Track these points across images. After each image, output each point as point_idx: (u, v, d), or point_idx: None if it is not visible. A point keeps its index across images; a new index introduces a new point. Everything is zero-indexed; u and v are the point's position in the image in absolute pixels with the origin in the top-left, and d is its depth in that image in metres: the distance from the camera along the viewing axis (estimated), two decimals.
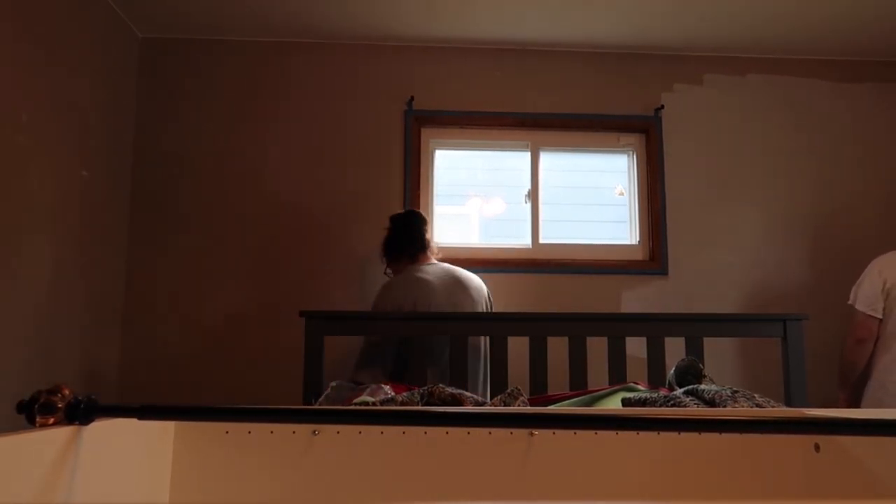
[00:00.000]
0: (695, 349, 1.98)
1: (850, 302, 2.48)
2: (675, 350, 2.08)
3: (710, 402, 1.27)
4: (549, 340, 2.00)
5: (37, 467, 0.72)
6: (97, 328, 2.60)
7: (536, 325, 2.02)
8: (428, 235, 2.42)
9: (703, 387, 1.34)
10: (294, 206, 2.90)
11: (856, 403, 2.45)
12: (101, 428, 0.82)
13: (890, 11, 2.70)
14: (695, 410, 1.22)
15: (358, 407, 1.29)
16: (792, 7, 2.69)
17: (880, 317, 2.39)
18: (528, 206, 3.04)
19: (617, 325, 2.04)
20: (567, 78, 3.06)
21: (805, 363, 1.99)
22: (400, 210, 2.91)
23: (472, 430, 1.04)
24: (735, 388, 1.31)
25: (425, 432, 1.03)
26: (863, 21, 2.79)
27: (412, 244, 2.37)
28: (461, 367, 1.98)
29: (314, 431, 1.03)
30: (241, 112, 2.94)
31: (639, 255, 3.01)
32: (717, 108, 3.07)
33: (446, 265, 2.37)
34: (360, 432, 1.04)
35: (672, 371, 1.72)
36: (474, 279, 2.38)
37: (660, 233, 2.96)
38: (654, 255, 2.97)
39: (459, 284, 2.30)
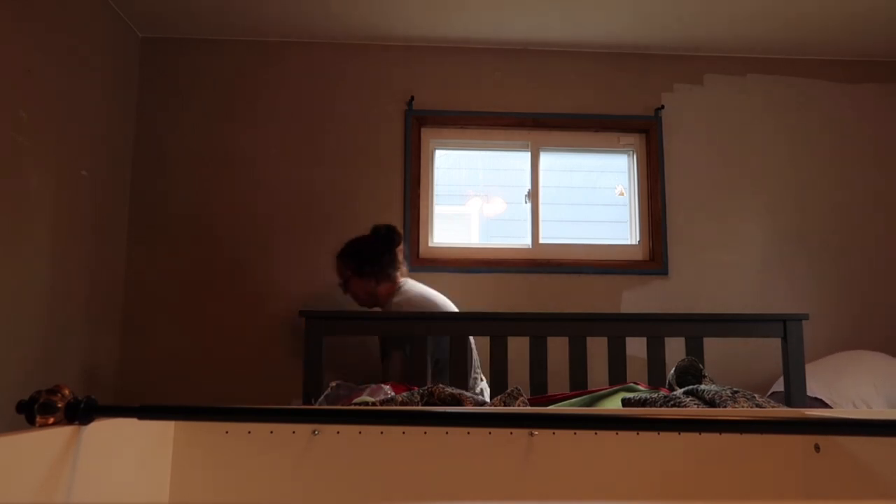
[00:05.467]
0: (695, 349, 1.98)
1: None
2: (675, 350, 2.09)
3: (711, 403, 1.27)
4: (549, 340, 2.00)
5: (37, 467, 0.72)
6: (97, 328, 2.60)
7: (536, 325, 2.01)
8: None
9: (703, 387, 1.34)
10: (294, 205, 2.90)
11: None
12: (101, 428, 0.83)
13: (890, 12, 2.70)
14: (695, 410, 1.22)
15: (358, 407, 1.29)
16: (792, 7, 2.69)
17: None
18: (528, 206, 3.04)
19: (617, 325, 2.04)
20: (567, 78, 3.06)
21: (805, 363, 1.99)
22: (400, 209, 2.91)
23: (472, 430, 1.04)
24: (735, 388, 1.31)
25: (425, 432, 1.03)
26: (864, 21, 2.78)
27: (393, 264, 2.36)
28: (461, 367, 1.98)
29: (314, 431, 1.04)
30: (242, 112, 2.94)
31: (639, 255, 3.01)
32: (717, 108, 3.07)
33: (418, 284, 2.41)
34: (360, 432, 1.04)
35: (672, 371, 1.72)
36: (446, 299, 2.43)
37: (660, 233, 2.96)
38: (654, 255, 2.97)
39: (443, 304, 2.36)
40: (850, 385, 2.38)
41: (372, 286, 2.38)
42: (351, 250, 2.38)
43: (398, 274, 2.38)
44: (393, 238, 2.38)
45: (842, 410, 1.85)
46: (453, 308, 2.38)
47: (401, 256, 2.40)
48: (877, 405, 2.35)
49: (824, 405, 2.32)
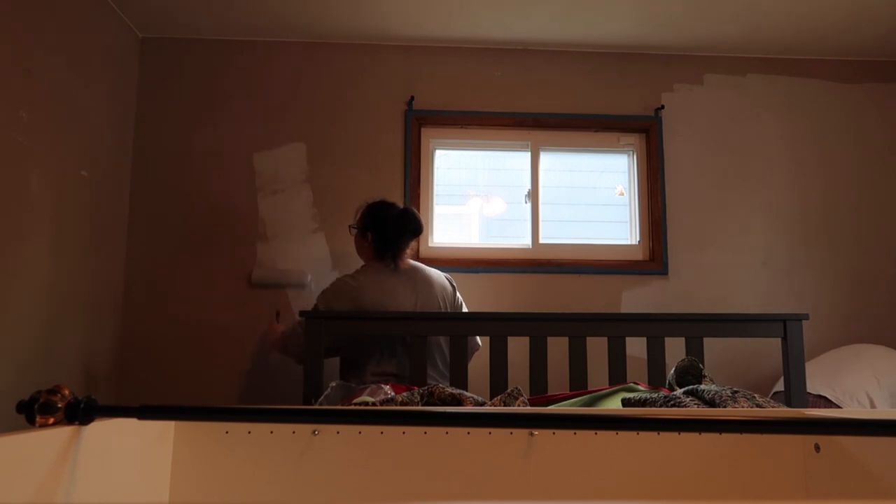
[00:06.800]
0: (695, 349, 1.98)
1: None
2: (675, 350, 2.08)
3: (710, 403, 1.27)
4: (549, 340, 2.00)
5: (37, 467, 0.72)
6: (97, 328, 2.60)
7: (536, 325, 2.01)
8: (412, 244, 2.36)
9: (703, 387, 1.34)
10: (294, 205, 2.90)
11: None
12: (101, 428, 0.83)
13: (890, 11, 2.70)
14: (695, 410, 1.22)
15: (358, 407, 1.30)
16: (792, 7, 2.69)
17: None
18: (528, 206, 3.04)
19: (617, 325, 2.04)
20: (567, 78, 3.06)
21: (805, 363, 1.99)
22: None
23: (472, 430, 1.04)
24: (735, 388, 1.31)
25: (425, 432, 1.03)
26: (863, 21, 2.78)
27: (398, 252, 2.27)
28: (462, 368, 1.98)
29: (314, 431, 1.04)
30: (241, 112, 2.94)
31: (639, 255, 3.01)
32: (717, 108, 3.07)
33: (412, 264, 2.33)
34: (360, 432, 1.04)
35: (672, 371, 1.72)
36: (437, 279, 2.34)
37: (660, 233, 2.96)
38: (654, 255, 2.97)
39: (425, 283, 2.28)
40: (852, 380, 2.38)
41: (357, 245, 2.36)
42: (372, 207, 2.33)
43: (379, 258, 2.27)
44: (405, 224, 2.28)
45: (842, 410, 1.85)
46: (437, 287, 2.29)
47: (405, 248, 2.28)
48: (880, 398, 2.34)
49: (829, 402, 2.31)
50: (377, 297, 2.19)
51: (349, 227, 2.40)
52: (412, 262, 2.34)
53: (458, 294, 2.39)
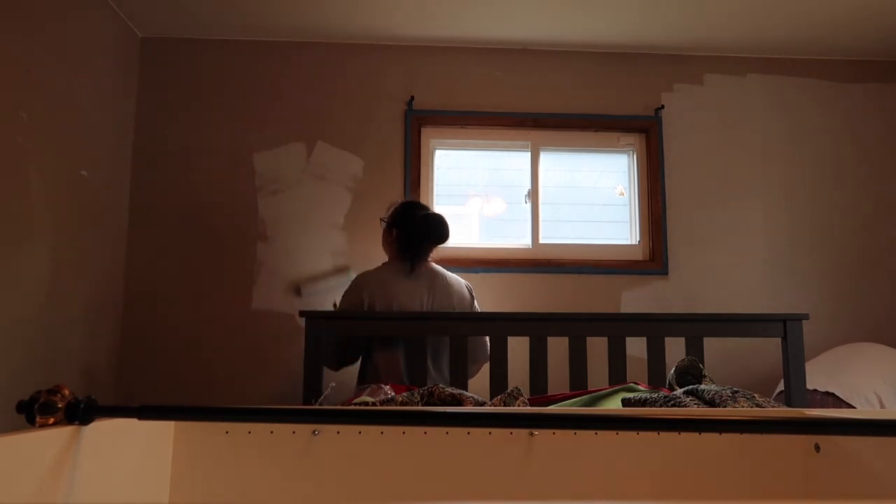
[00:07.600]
0: (695, 349, 1.98)
1: None
2: (675, 350, 2.08)
3: (711, 402, 1.27)
4: (549, 340, 2.00)
5: (37, 467, 0.72)
6: (97, 328, 2.60)
7: (536, 325, 2.01)
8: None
9: (703, 387, 1.34)
10: (295, 205, 2.90)
11: None
12: (101, 428, 0.83)
13: (890, 11, 2.70)
14: (695, 410, 1.22)
15: (358, 407, 1.29)
16: (792, 7, 2.69)
17: None
18: (528, 206, 3.04)
19: (617, 325, 2.03)
20: (567, 78, 3.06)
21: (805, 363, 1.99)
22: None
23: (472, 430, 1.04)
24: (735, 388, 1.31)
25: (425, 432, 1.03)
26: (863, 21, 2.79)
27: (417, 255, 2.26)
28: (461, 368, 1.98)
29: (314, 431, 1.04)
30: (241, 112, 2.94)
31: (639, 255, 3.01)
32: (717, 108, 3.07)
33: (433, 267, 2.32)
34: (360, 432, 1.04)
35: (672, 371, 1.72)
36: (457, 286, 2.33)
37: (660, 233, 2.96)
38: (654, 255, 2.97)
39: (443, 289, 2.27)
40: (858, 378, 2.36)
41: (383, 238, 2.37)
42: (404, 205, 2.34)
43: (400, 256, 2.26)
44: (426, 229, 2.27)
45: (841, 410, 1.85)
46: (454, 293, 2.29)
47: (426, 252, 2.27)
48: (887, 396, 2.32)
49: (838, 399, 2.29)
50: (388, 293, 2.19)
51: (380, 219, 2.41)
52: (434, 265, 2.33)
53: (475, 304, 2.38)
